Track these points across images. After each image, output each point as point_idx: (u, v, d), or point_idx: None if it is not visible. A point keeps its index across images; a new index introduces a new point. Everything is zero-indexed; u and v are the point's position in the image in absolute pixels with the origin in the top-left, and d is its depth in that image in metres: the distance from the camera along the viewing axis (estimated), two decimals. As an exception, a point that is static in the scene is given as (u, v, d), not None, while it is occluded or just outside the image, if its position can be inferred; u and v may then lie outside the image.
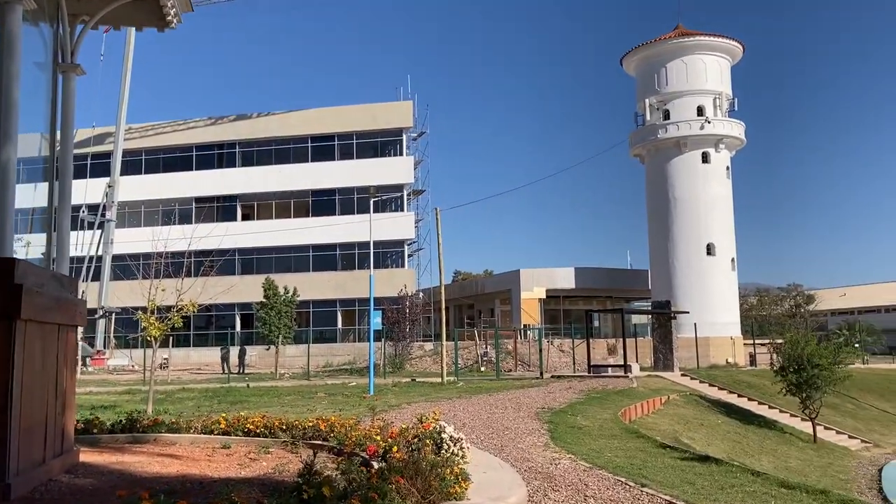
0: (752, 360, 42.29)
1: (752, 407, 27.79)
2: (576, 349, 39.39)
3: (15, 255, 4.59)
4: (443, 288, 34.04)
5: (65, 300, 5.47)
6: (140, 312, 17.28)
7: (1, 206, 4.53)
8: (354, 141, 55.05)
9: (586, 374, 32.13)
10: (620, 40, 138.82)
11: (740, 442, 21.13)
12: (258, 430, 8.49)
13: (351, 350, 47.85)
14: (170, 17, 6.52)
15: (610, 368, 32.49)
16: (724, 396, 28.40)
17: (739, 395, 29.05)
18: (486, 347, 43.56)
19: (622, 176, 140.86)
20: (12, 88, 4.54)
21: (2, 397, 4.45)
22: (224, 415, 9.47)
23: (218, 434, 8.35)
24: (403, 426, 8.11)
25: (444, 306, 33.90)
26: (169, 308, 17.19)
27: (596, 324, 52.26)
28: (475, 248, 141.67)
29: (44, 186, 6.15)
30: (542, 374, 33.11)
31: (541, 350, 35.74)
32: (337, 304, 53.33)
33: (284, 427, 8.46)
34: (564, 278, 53.50)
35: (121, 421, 8.44)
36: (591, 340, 35.91)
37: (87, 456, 6.47)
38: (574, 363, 37.97)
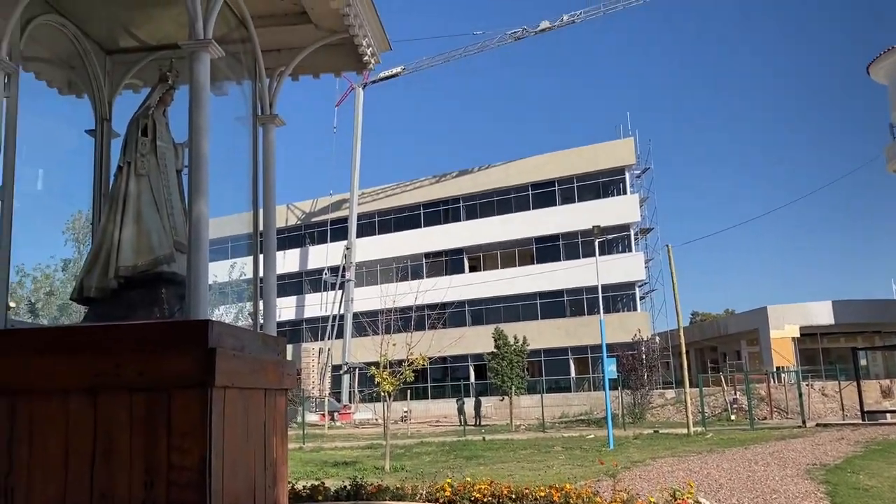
0: None
1: None
2: (842, 393, 34.91)
3: (210, 318, 4.18)
4: (681, 330, 31.75)
5: (270, 362, 5.10)
6: (373, 368, 17.44)
7: (193, 265, 4.19)
8: (575, 184, 54.25)
9: (859, 421, 28.18)
10: (856, 50, 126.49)
11: None
12: (485, 500, 7.72)
13: (586, 399, 46.26)
14: (367, 58, 6.16)
15: (888, 414, 28.24)
16: None
17: None
18: (736, 394, 39.99)
19: (879, 196, 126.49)
20: (201, 141, 4.19)
21: (198, 473, 4.07)
22: (450, 480, 8.83)
23: (443, 502, 7.72)
24: (652, 501, 6.93)
25: (683, 350, 31.58)
26: (401, 362, 17.21)
27: (863, 363, 46.37)
28: (712, 287, 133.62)
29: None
30: (804, 422, 29.55)
31: (800, 395, 31.98)
32: (568, 351, 52.11)
33: (514, 497, 7.64)
34: (820, 313, 48.24)
35: (345, 487, 8.10)
36: (860, 382, 31.57)
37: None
38: (842, 409, 33.61)
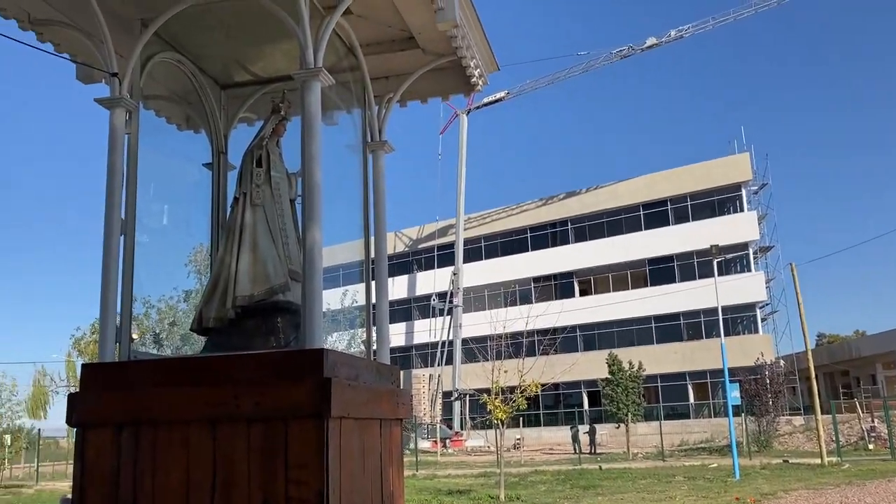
0: None
1: None
2: None
3: (324, 346, 4.12)
4: (809, 353, 29.96)
5: (385, 392, 5.00)
6: (485, 395, 17.24)
7: (308, 293, 4.14)
8: (689, 203, 52.57)
9: None
10: None
11: None
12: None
13: (707, 427, 44.31)
14: (474, 80, 6.06)
15: None
16: None
17: None
18: (873, 421, 37.32)
19: None
20: (314, 169, 4.17)
21: (316, 507, 3.99)
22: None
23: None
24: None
25: (812, 374, 29.75)
26: (513, 389, 16.94)
27: None
28: (840, 307, 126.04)
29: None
30: (952, 452, 27.20)
31: (947, 422, 29.50)
32: (686, 377, 50.21)
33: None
34: (965, 333, 44.63)
35: (463, 517, 7.93)
36: None
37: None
38: None
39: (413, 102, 6.52)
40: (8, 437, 32.36)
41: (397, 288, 61.29)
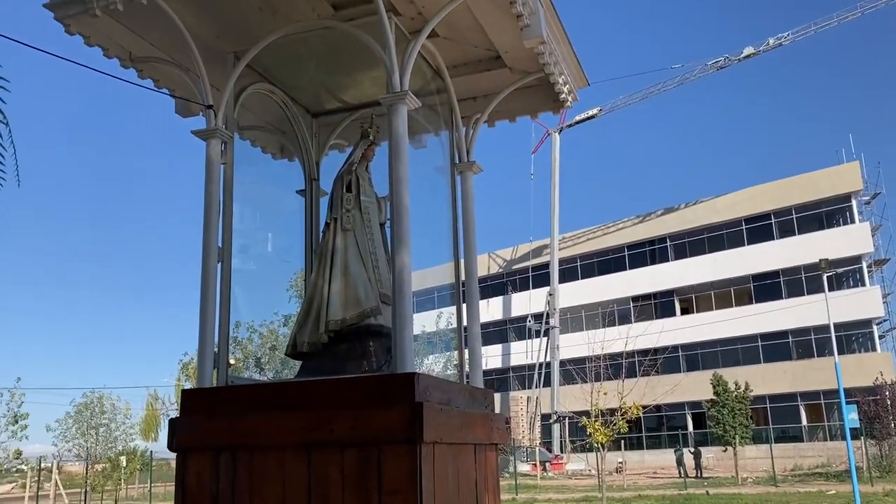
0: None
1: None
2: None
3: (416, 370, 4.08)
4: (934, 372, 27.99)
5: (479, 416, 4.91)
6: (584, 418, 16.87)
7: (398, 316, 4.11)
8: (794, 216, 50.37)
9: None
10: None
11: None
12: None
13: (821, 450, 42.00)
14: (563, 96, 5.95)
15: None
16: None
17: None
18: None
19: None
20: (402, 192, 4.16)
21: (410, 534, 3.92)
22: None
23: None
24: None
25: (939, 395, 27.75)
26: (613, 411, 16.52)
27: None
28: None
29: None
30: None
31: None
32: (797, 397, 47.83)
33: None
34: None
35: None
36: None
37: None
38: None
39: (502, 122, 6.47)
40: (123, 459, 33.96)
41: (492, 309, 61.12)
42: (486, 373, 59.67)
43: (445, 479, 4.37)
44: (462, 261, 5.53)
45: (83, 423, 34.06)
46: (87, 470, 33.49)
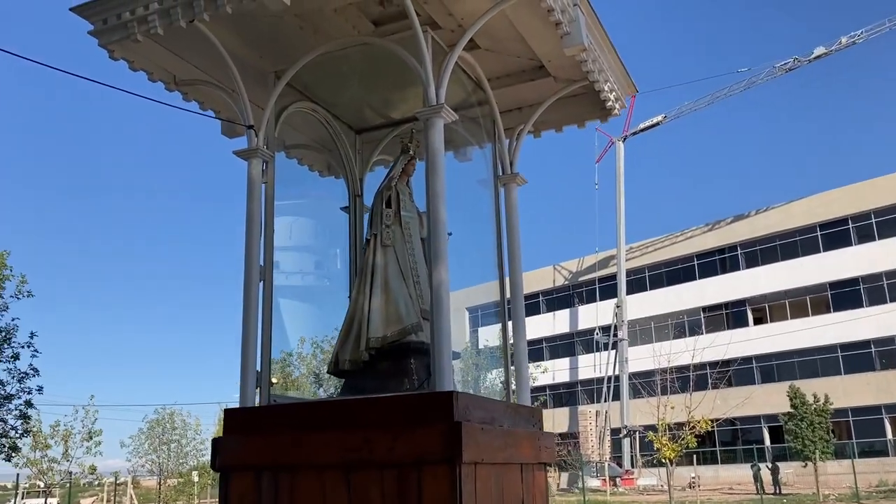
0: None
1: None
2: None
3: (455, 388, 3.98)
4: None
5: (524, 435, 4.78)
6: (650, 433, 16.45)
7: (436, 332, 4.03)
8: (873, 220, 48.32)
9: None
10: None
11: None
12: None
13: (909, 465, 40.03)
14: (610, 104, 5.79)
15: None
16: None
17: None
18: None
19: None
20: (439, 207, 4.09)
21: (450, 557, 3.81)
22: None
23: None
24: None
25: None
26: (681, 425, 16.06)
27: None
28: None
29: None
30: None
31: None
32: (882, 410, 45.69)
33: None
34: None
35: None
36: None
37: None
38: None
39: (548, 132, 6.35)
40: (195, 474, 34.68)
41: (559, 322, 60.44)
42: (553, 387, 59.07)
43: (489, 500, 4.25)
44: (507, 275, 5.42)
45: (155, 439, 34.96)
46: (160, 485, 34.34)
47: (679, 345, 22.40)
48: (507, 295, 5.44)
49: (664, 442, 15.51)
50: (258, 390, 4.64)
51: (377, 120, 6.03)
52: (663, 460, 16.20)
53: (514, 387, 5.29)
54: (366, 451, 4.07)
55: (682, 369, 18.90)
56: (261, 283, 4.78)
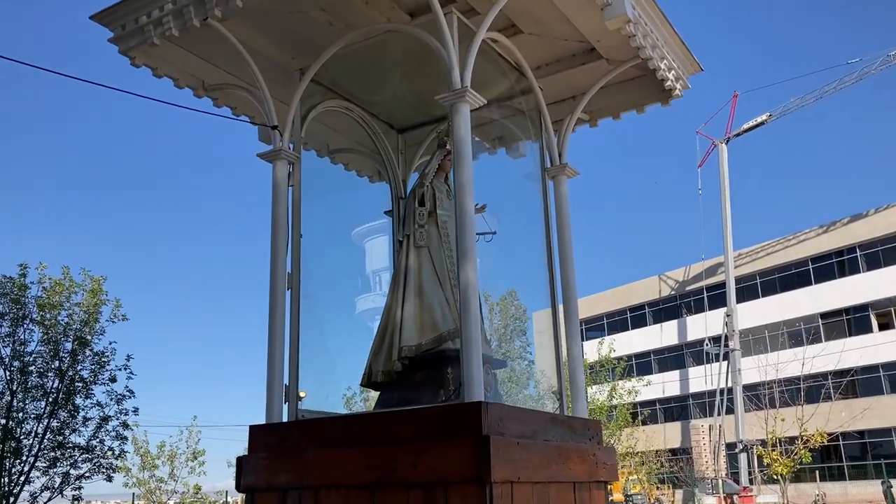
0: None
1: None
2: None
3: (484, 399, 3.57)
4: None
5: (576, 450, 4.29)
6: (758, 447, 15.35)
7: (465, 338, 3.65)
8: None
9: None
10: None
11: None
12: None
13: None
14: (669, 84, 5.27)
15: None
16: None
17: None
18: None
19: None
20: (465, 199, 3.72)
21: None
22: None
23: None
24: None
25: None
26: (792, 439, 14.90)
27: None
28: None
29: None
30: None
31: None
32: None
33: None
34: None
35: None
36: None
37: None
38: None
39: (605, 120, 5.87)
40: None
41: (667, 334, 58.31)
42: (663, 401, 57.03)
43: (530, 525, 3.80)
44: (557, 274, 4.96)
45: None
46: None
47: (795, 354, 20.93)
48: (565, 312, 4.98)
49: (774, 457, 14.38)
50: (287, 405, 4.37)
51: (419, 118, 5.72)
52: (775, 476, 15.03)
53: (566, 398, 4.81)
54: (389, 469, 3.72)
55: (795, 380, 17.60)
56: (288, 291, 4.51)
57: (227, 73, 5.06)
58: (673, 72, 5.27)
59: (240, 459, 4.15)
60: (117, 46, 4.61)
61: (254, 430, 4.26)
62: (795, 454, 14.38)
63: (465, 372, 3.73)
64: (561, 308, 4.89)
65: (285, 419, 4.32)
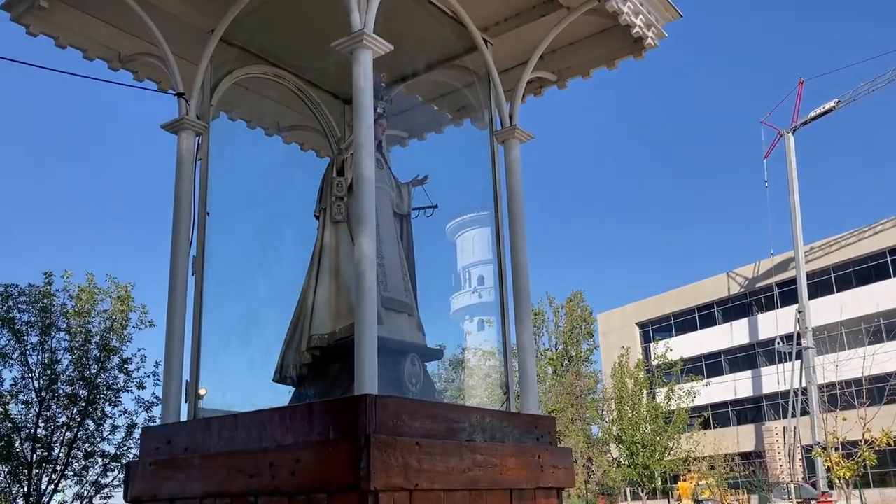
0: None
1: None
2: None
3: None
4: None
5: (511, 451, 3.63)
6: (817, 449, 14.26)
7: (359, 320, 3.11)
8: None
9: None
10: None
11: None
12: None
13: None
14: (637, 31, 4.60)
15: None
16: None
17: None
18: None
19: None
20: (363, 159, 3.19)
21: None
22: None
23: None
24: None
25: None
26: (854, 443, 13.78)
27: None
28: None
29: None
30: None
31: None
32: None
33: None
34: None
35: None
36: None
37: None
38: None
39: (575, 80, 5.20)
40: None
41: (737, 333, 56.13)
42: (735, 402, 54.90)
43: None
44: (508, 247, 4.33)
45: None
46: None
47: (880, 349, 19.53)
48: (510, 287, 4.35)
49: (835, 460, 13.27)
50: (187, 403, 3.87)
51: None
52: (836, 481, 13.90)
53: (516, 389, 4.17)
54: (268, 475, 3.17)
55: (886, 377, 16.32)
56: (192, 277, 4.01)
57: (143, 42, 4.60)
58: (641, 17, 4.59)
59: (127, 466, 3.66)
60: (10, 14, 4.20)
61: (145, 432, 3.77)
62: (860, 457, 13.23)
63: (357, 360, 3.16)
64: (510, 289, 4.26)
65: (184, 419, 3.82)
